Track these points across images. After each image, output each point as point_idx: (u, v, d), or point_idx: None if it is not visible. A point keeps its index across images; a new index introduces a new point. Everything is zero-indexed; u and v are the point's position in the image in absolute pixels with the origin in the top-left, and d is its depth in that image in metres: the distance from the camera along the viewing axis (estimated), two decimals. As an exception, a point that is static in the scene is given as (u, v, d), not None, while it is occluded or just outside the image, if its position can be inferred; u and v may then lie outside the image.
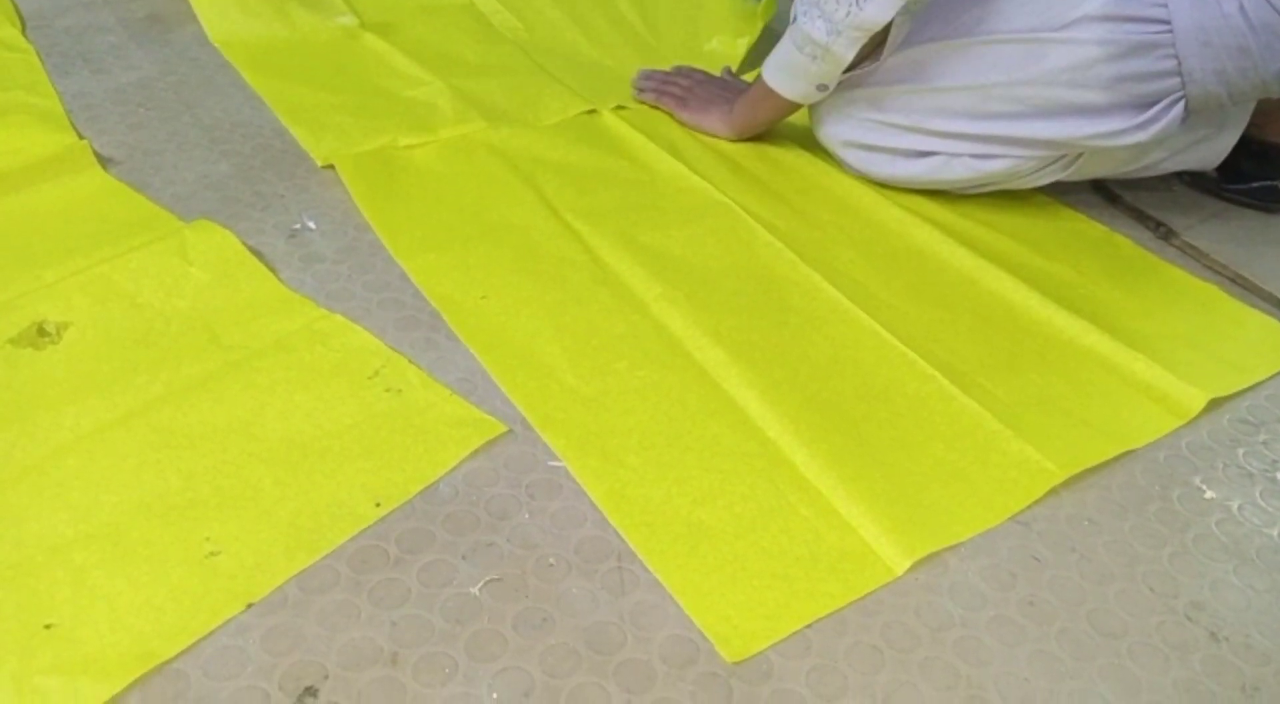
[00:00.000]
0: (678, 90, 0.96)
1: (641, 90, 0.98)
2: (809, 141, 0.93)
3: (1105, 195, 0.91)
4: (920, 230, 0.84)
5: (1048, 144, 0.80)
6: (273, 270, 0.70)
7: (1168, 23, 0.73)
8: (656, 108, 0.97)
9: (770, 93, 0.86)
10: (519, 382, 0.64)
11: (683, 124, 0.95)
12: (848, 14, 0.75)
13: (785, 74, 0.84)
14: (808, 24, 0.78)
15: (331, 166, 0.82)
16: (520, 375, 0.65)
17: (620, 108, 0.96)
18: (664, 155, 0.89)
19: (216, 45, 0.97)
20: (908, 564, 0.55)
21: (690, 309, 0.72)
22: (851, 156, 0.87)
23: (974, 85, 0.79)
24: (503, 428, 0.60)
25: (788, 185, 0.89)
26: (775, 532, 0.57)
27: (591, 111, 0.95)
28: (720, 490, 0.59)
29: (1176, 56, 0.74)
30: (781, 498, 0.59)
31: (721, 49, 1.09)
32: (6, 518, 0.52)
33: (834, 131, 0.87)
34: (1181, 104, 0.76)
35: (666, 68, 0.99)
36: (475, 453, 0.59)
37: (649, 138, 0.91)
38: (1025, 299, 0.77)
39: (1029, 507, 0.60)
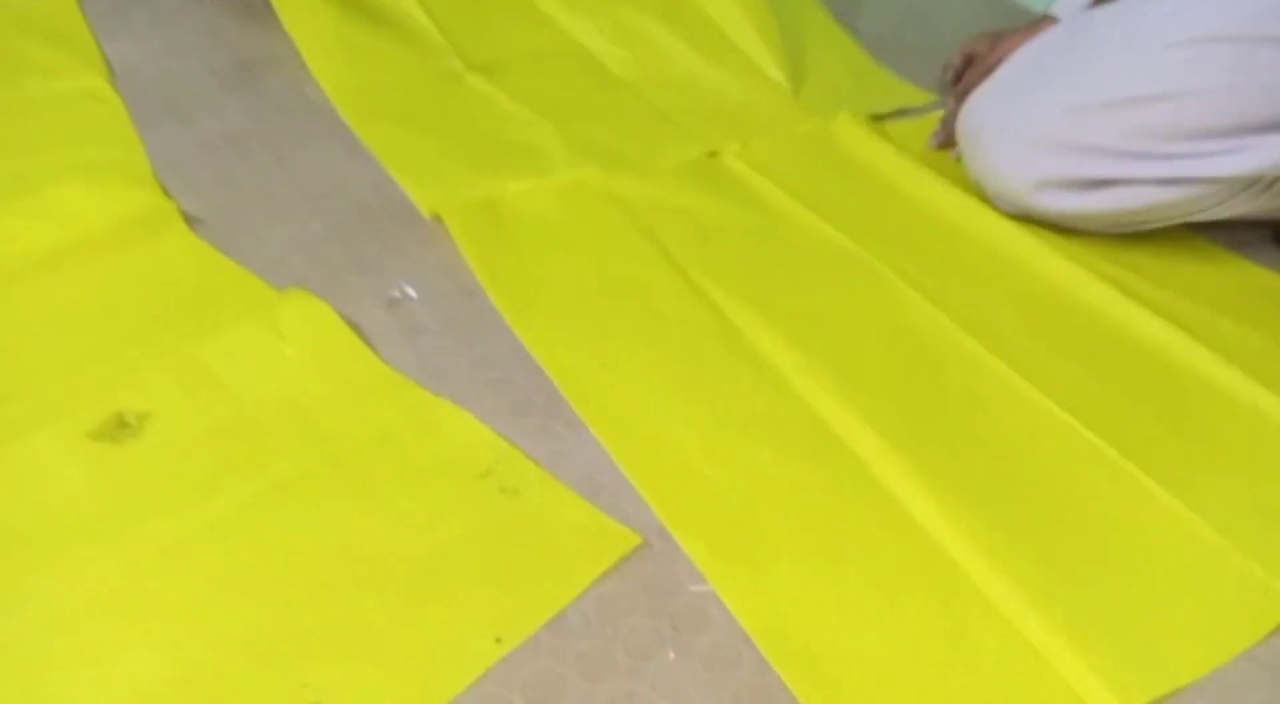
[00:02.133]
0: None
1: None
2: (947, 176, 0.84)
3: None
4: (1091, 287, 0.74)
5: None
6: (371, 346, 0.63)
7: None
8: None
9: None
10: (650, 474, 0.56)
11: None
12: None
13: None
14: None
15: (437, 217, 0.76)
16: (651, 465, 0.57)
17: (745, 147, 0.88)
18: (794, 203, 0.81)
19: (322, 86, 0.92)
20: (1130, 718, 0.45)
21: (836, 384, 0.63)
22: (1045, 200, 0.76)
23: (1189, 91, 0.68)
24: (637, 540, 0.52)
25: (931, 232, 0.80)
26: (958, 668, 0.48)
27: (713, 154, 0.87)
28: (888, 614, 0.50)
29: None
30: (960, 624, 0.50)
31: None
32: (83, 655, 0.45)
33: (1024, 172, 0.75)
34: None
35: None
36: (607, 571, 0.50)
37: (776, 184, 0.83)
38: (1224, 375, 0.66)
39: (1265, 639, 0.50)
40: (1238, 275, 0.79)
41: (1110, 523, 0.56)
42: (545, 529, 0.52)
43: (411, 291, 0.69)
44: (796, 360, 0.65)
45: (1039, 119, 0.73)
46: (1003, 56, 0.85)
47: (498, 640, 0.47)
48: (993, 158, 0.77)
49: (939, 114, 0.94)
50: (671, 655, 0.47)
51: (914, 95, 1.01)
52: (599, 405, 0.61)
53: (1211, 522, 0.56)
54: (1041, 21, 0.89)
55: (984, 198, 0.81)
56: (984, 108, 0.78)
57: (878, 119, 0.96)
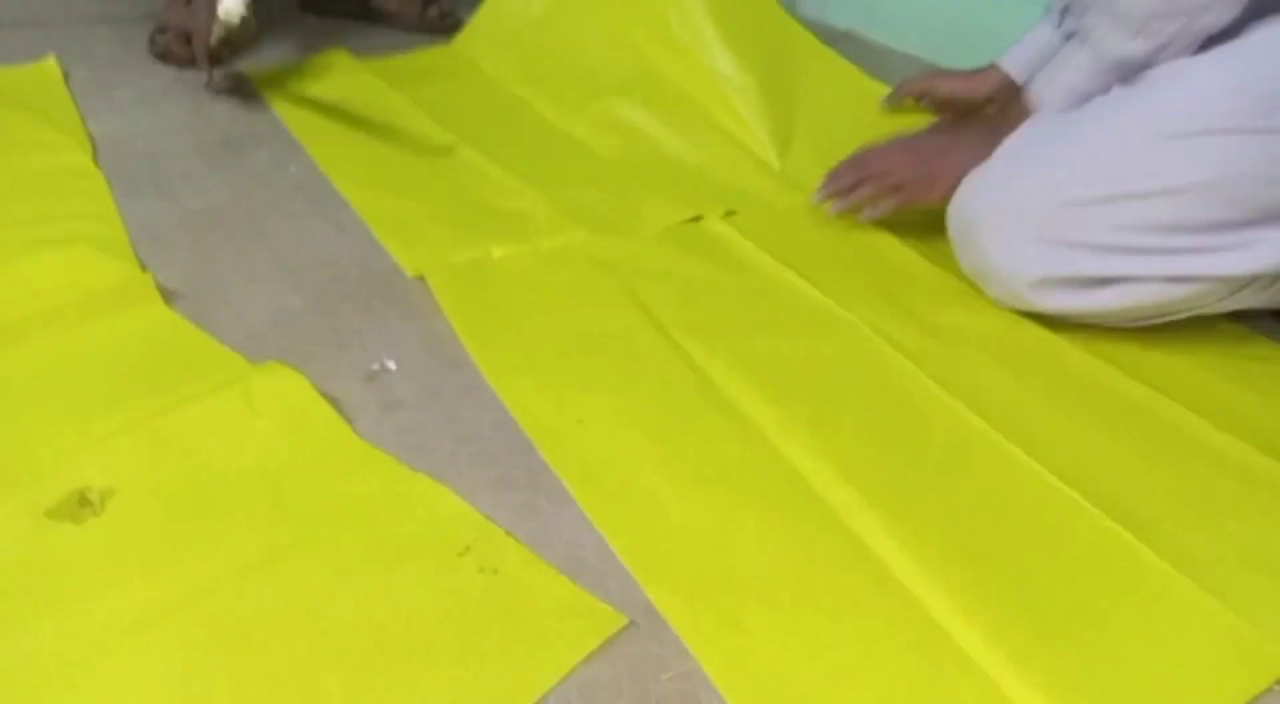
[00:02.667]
0: (891, 178, 0.84)
1: (831, 195, 0.87)
2: (932, 245, 0.84)
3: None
4: (1074, 350, 0.74)
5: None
6: (348, 420, 0.61)
7: None
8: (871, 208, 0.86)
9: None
10: (627, 533, 0.54)
11: (919, 203, 0.83)
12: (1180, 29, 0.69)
13: (1073, 97, 0.76)
14: (1115, 45, 0.73)
15: (421, 278, 0.76)
16: (627, 524, 0.55)
17: (730, 214, 0.89)
18: (778, 266, 0.81)
19: (310, 156, 0.93)
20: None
21: (814, 439, 0.62)
22: (1047, 299, 0.73)
23: (1187, 186, 0.66)
24: (623, 620, 0.49)
25: (916, 298, 0.79)
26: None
27: (697, 219, 0.88)
28: (863, 666, 0.48)
29: None
30: (938, 678, 0.48)
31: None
32: (21, 745, 0.42)
33: (1025, 269, 0.72)
34: None
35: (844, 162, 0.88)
36: (591, 654, 0.47)
37: (760, 246, 0.84)
38: (1209, 431, 0.66)
39: (1257, 699, 0.48)
40: (1233, 340, 0.78)
41: (1094, 581, 0.54)
42: (526, 610, 0.49)
43: (392, 365, 0.67)
44: (776, 417, 0.64)
45: (1036, 215, 0.71)
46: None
47: (473, 730, 0.43)
48: (990, 254, 0.74)
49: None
50: (659, 746, 0.44)
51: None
52: (571, 454, 0.60)
53: (1200, 580, 0.54)
54: (988, 71, 0.89)
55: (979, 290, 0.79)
56: (977, 200, 0.75)
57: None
